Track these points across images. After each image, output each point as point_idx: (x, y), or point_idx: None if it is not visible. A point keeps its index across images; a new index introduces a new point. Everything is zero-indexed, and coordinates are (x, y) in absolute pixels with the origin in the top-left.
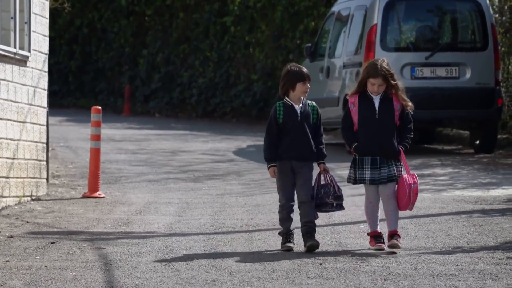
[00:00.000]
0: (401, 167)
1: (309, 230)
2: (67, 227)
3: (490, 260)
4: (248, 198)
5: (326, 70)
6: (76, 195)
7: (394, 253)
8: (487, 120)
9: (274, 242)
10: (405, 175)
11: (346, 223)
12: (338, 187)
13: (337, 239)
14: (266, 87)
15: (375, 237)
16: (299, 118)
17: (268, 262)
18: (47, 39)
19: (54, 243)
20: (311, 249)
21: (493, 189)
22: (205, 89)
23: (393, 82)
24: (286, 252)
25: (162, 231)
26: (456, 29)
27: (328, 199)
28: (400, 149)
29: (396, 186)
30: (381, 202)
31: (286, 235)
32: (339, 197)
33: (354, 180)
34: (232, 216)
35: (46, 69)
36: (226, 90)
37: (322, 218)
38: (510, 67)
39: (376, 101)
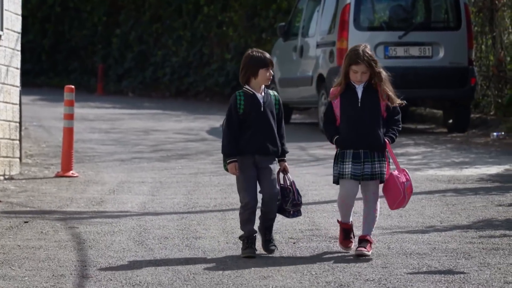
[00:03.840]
0: (385, 164)
1: (268, 227)
2: (40, 206)
3: (463, 239)
4: (222, 177)
5: (299, 49)
6: (49, 174)
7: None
8: (460, 99)
9: None
10: (394, 171)
11: (320, 202)
12: (298, 193)
13: (310, 218)
14: (239, 66)
15: (345, 231)
16: (262, 108)
17: (241, 241)
18: (20, 17)
19: (27, 222)
20: (270, 253)
21: (466, 168)
22: (178, 68)
23: (376, 70)
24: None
25: (135, 211)
26: (430, 9)
27: (286, 205)
28: (386, 141)
29: (383, 185)
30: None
31: (248, 239)
32: (297, 205)
33: (334, 177)
34: (205, 195)
35: (18, 48)
36: (199, 69)
37: None
38: (483, 46)
39: (359, 90)
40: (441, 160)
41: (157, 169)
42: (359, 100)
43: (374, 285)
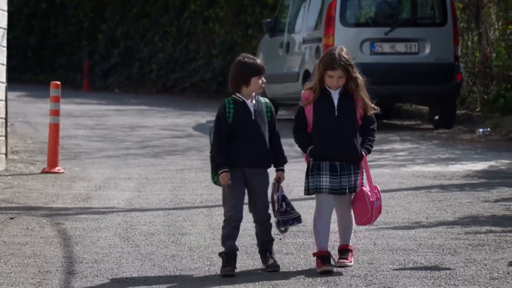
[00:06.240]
0: (359, 177)
1: (267, 247)
2: (26, 203)
3: (449, 235)
4: (208, 173)
5: (285, 46)
6: (35, 170)
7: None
8: (446, 96)
9: None
10: (365, 187)
11: (306, 198)
12: (284, 199)
13: None
14: (225, 62)
15: (322, 258)
16: (253, 117)
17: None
18: (6, 13)
19: (13, 218)
20: (271, 270)
21: (452, 164)
22: (165, 64)
23: (353, 75)
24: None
25: (121, 207)
26: (416, 5)
27: (274, 216)
28: (363, 153)
29: (353, 197)
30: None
31: (227, 256)
32: (285, 212)
33: (308, 190)
34: (191, 192)
35: (4, 44)
36: (185, 65)
37: None
38: (469, 42)
39: (335, 96)
40: (427, 156)
41: (143, 165)
42: (336, 108)
43: (360, 281)
